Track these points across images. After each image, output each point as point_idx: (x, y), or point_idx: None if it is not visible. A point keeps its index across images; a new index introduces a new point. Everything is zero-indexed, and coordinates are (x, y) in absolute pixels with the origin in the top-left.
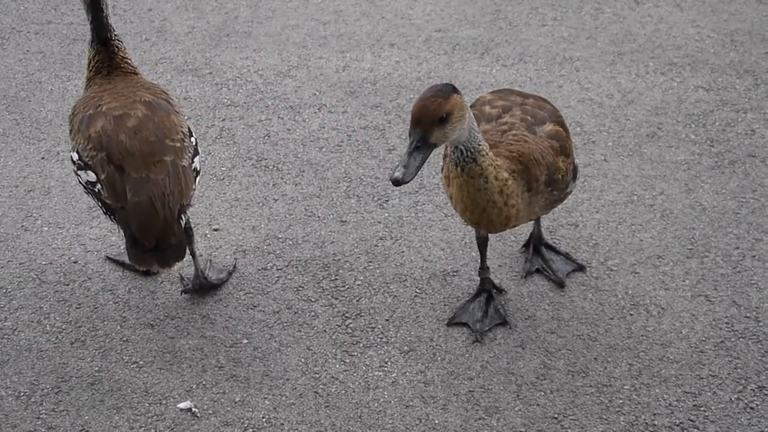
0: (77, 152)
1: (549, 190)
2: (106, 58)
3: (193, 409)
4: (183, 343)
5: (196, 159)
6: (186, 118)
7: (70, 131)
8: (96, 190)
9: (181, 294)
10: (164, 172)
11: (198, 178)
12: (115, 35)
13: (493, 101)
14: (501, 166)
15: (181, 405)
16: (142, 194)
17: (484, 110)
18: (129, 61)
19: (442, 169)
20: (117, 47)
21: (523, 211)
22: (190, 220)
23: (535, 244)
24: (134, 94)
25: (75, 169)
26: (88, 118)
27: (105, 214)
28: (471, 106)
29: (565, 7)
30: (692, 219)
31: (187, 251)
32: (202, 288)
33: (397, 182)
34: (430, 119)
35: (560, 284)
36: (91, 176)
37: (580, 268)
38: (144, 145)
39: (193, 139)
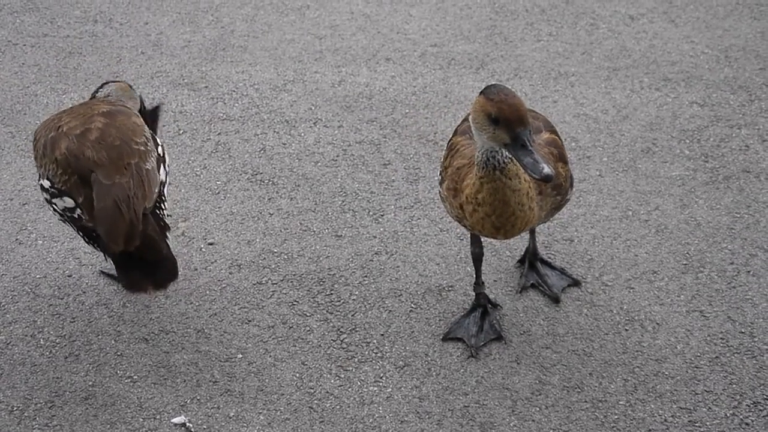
0: (48, 179)
1: (554, 194)
2: None
3: (188, 424)
4: (177, 358)
5: (162, 168)
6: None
7: (36, 158)
8: (76, 215)
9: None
10: (128, 175)
11: (166, 188)
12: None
13: None
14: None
15: (176, 420)
16: (107, 199)
17: None
18: None
19: (442, 182)
20: None
21: (537, 214)
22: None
23: (530, 260)
24: (91, 109)
25: (48, 197)
26: (51, 141)
27: (87, 242)
28: (465, 120)
29: (560, 22)
30: (687, 234)
31: (179, 266)
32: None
33: (548, 178)
34: (527, 113)
35: (555, 299)
36: (69, 202)
37: (575, 283)
38: (111, 150)
39: (159, 148)
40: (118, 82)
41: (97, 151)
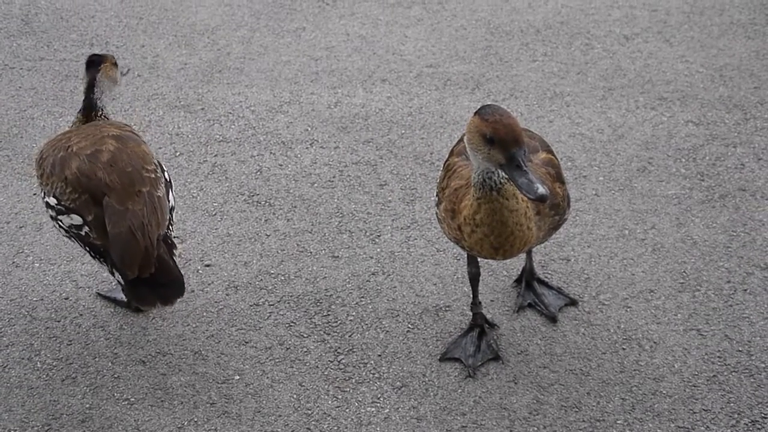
0: (54, 197)
1: (552, 214)
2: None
3: None
4: (174, 380)
5: (171, 194)
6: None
7: (41, 175)
8: (83, 233)
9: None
10: (142, 203)
11: (173, 212)
12: (102, 114)
13: None
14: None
15: None
16: (122, 225)
17: None
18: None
19: (439, 204)
20: (97, 118)
21: (535, 234)
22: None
23: (527, 279)
24: (100, 131)
25: (53, 214)
26: (60, 160)
27: (93, 257)
28: (461, 140)
29: (555, 42)
30: (683, 253)
31: (186, 285)
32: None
33: (544, 198)
34: (522, 133)
35: (553, 319)
36: (76, 219)
37: (573, 303)
38: (123, 176)
39: (166, 174)
40: (105, 63)
41: (108, 173)
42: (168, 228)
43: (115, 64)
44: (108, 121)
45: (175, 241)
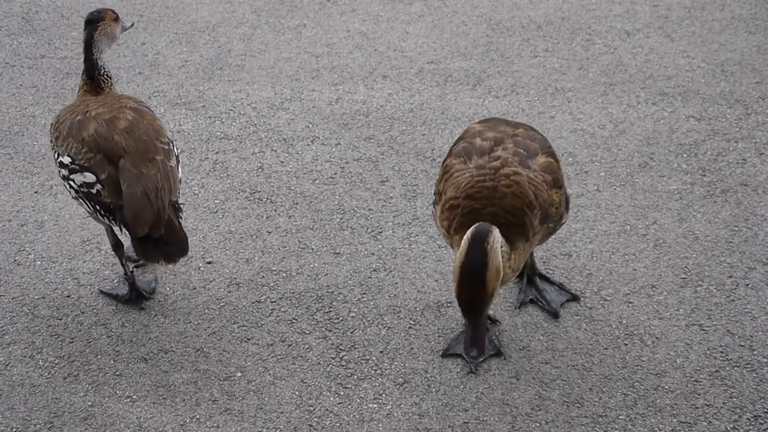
0: (69, 156)
1: (544, 226)
2: (93, 87)
3: None
4: (177, 377)
5: (179, 168)
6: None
7: (57, 138)
8: (95, 191)
9: (134, 269)
10: (156, 169)
11: (180, 184)
12: (104, 72)
13: (483, 132)
14: (508, 253)
15: None
16: (137, 187)
17: (475, 143)
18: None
19: (436, 204)
20: (104, 81)
21: (524, 259)
22: None
23: (529, 275)
24: (119, 102)
25: (66, 173)
26: (78, 123)
27: (102, 216)
28: (460, 138)
29: (556, 38)
30: (685, 248)
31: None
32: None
33: (473, 360)
34: (483, 302)
35: (554, 315)
36: (89, 177)
37: (574, 298)
38: (139, 143)
39: (176, 150)
40: (104, 20)
41: (125, 138)
42: (177, 195)
43: (116, 19)
44: (127, 96)
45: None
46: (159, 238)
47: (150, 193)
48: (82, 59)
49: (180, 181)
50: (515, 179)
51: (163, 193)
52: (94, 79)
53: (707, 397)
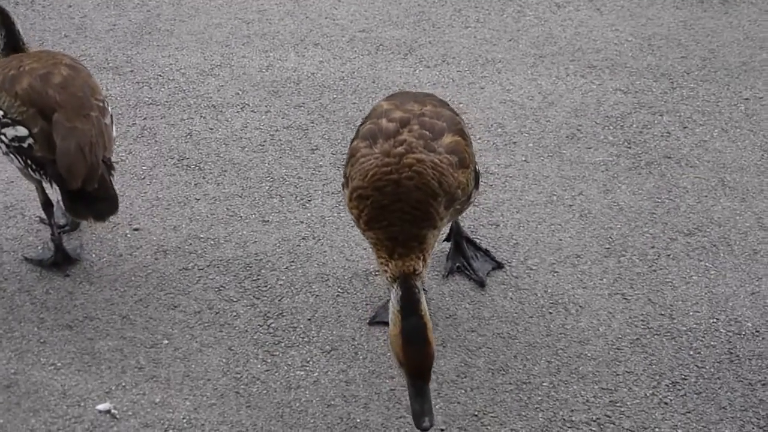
0: (1, 110)
1: (450, 210)
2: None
3: (112, 411)
4: (102, 345)
5: (113, 126)
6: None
7: None
8: (26, 145)
9: (60, 233)
10: (90, 125)
11: (114, 142)
12: (25, 43)
13: (390, 112)
14: (421, 268)
15: (100, 407)
16: (71, 140)
17: (381, 124)
18: None
19: (345, 187)
20: (25, 46)
21: (434, 244)
22: None
23: (456, 240)
24: (54, 58)
25: None
26: (11, 77)
27: (33, 171)
28: (367, 117)
29: (487, 9)
30: (610, 219)
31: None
32: (74, 229)
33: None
34: (430, 364)
35: (481, 284)
36: (21, 131)
37: (499, 266)
38: (73, 98)
39: (110, 108)
40: None
41: (59, 93)
42: (111, 153)
43: None
44: (62, 53)
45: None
46: (90, 193)
47: (84, 147)
48: (2, 37)
49: (114, 140)
50: (417, 169)
51: (97, 148)
52: (18, 50)
53: (628, 364)
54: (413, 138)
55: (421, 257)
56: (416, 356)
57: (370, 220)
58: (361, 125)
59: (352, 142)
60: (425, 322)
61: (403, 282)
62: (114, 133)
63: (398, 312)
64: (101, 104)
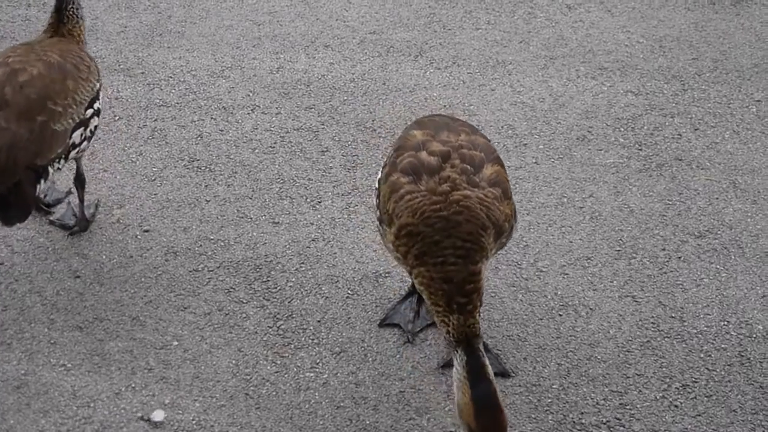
0: None
1: (498, 242)
2: (55, 24)
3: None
4: (112, 346)
5: (79, 131)
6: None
7: None
8: None
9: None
10: (28, 129)
11: (78, 152)
12: (72, 7)
13: (427, 144)
14: (476, 314)
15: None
16: None
17: (421, 158)
18: (75, 32)
19: (382, 223)
20: (68, 17)
21: (485, 275)
22: (100, 202)
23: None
24: (44, 53)
25: None
26: None
27: None
28: (401, 147)
29: (498, 11)
30: (620, 221)
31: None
32: (84, 229)
33: None
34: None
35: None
36: None
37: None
38: (25, 100)
39: (89, 111)
40: None
41: (15, 92)
42: (57, 161)
43: None
44: (68, 47)
45: (114, 206)
46: (4, 198)
47: (2, 148)
48: None
49: (78, 150)
50: (465, 204)
51: (17, 151)
52: (60, 14)
53: (638, 366)
54: (456, 174)
55: (479, 305)
56: (490, 424)
57: (421, 254)
58: (395, 157)
59: (386, 174)
60: (494, 388)
61: (467, 347)
62: (84, 144)
63: (465, 379)
64: (59, 109)
